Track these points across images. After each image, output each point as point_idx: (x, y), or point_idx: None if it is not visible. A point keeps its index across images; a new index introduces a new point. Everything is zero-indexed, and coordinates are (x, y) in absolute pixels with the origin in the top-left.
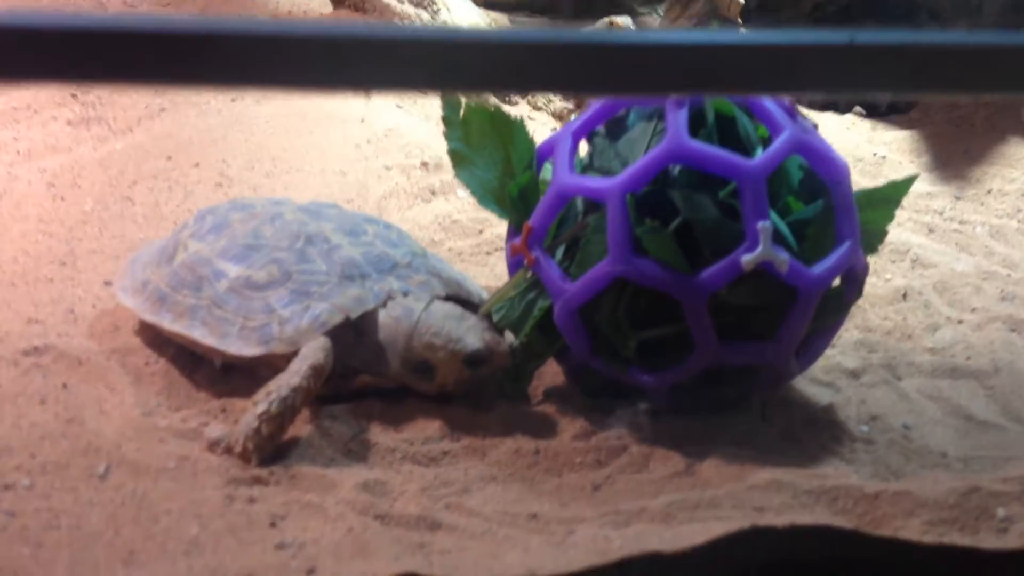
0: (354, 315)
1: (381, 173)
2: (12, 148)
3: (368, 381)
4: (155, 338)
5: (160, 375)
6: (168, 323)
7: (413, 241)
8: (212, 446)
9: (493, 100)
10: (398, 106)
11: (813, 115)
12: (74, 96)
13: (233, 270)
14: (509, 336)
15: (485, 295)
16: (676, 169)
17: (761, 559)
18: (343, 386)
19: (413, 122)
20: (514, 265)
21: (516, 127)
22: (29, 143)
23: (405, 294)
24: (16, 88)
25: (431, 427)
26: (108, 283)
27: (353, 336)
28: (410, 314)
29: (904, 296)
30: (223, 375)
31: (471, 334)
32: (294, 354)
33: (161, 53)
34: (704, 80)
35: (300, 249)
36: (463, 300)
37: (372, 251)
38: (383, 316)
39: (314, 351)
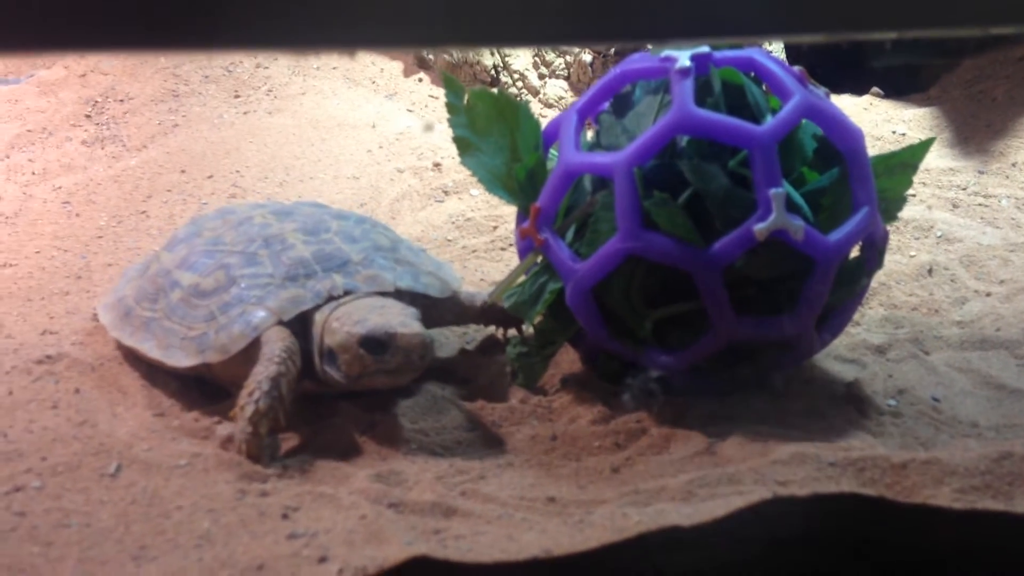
0: (286, 317)
1: (393, 176)
2: (27, 169)
3: (310, 387)
4: None
5: (173, 378)
6: (127, 338)
7: (383, 234)
8: (225, 443)
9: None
10: (408, 110)
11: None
12: (88, 117)
13: (186, 279)
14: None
15: (463, 285)
16: (684, 140)
17: (785, 532)
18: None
19: (431, 124)
20: (524, 249)
21: (521, 110)
22: (44, 163)
23: (348, 291)
24: (31, 111)
25: (445, 418)
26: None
27: (301, 337)
28: (336, 307)
29: (930, 271)
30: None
31: (375, 318)
32: (242, 358)
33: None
34: None
35: (252, 253)
36: (418, 295)
37: (324, 249)
38: (317, 315)
39: (276, 335)
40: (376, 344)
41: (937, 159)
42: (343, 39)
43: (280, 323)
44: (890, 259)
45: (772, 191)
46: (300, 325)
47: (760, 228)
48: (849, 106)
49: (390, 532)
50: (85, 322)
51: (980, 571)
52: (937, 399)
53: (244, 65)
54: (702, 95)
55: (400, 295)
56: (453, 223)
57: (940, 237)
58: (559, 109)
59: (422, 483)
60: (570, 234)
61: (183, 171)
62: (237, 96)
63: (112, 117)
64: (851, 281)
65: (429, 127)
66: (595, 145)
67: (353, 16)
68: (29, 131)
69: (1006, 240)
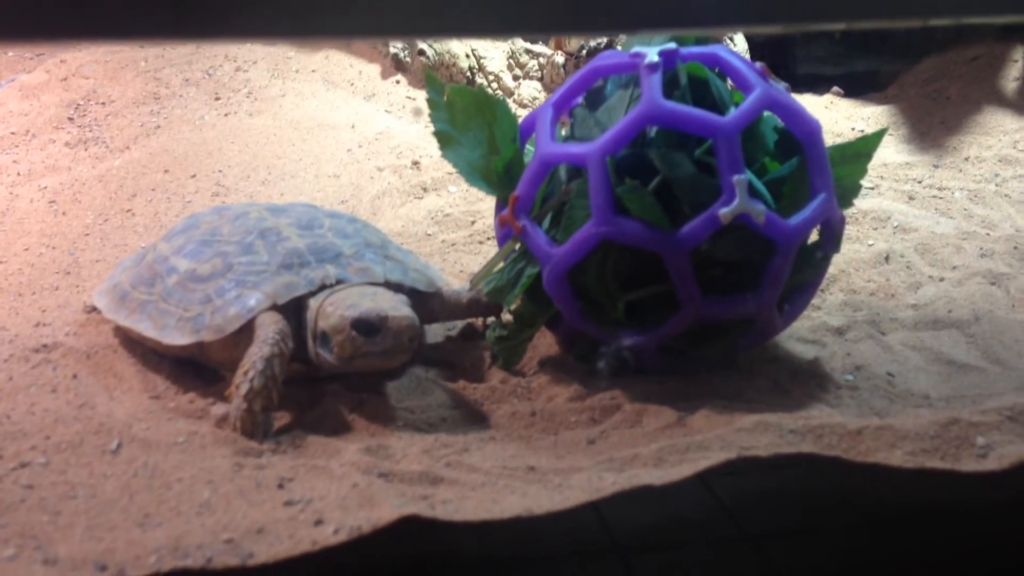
0: (281, 301)
1: (373, 174)
2: (12, 170)
3: (302, 370)
4: None
5: (167, 363)
6: (123, 319)
7: (374, 234)
8: (220, 422)
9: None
10: (387, 111)
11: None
12: (71, 119)
13: (183, 265)
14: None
15: (449, 282)
16: (653, 131)
17: (750, 491)
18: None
19: (402, 125)
20: (503, 237)
21: (499, 105)
22: (29, 165)
23: (340, 281)
24: (14, 115)
25: (430, 397)
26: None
27: (294, 323)
28: (329, 294)
29: (887, 259)
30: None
31: (367, 303)
32: (236, 340)
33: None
34: None
35: (249, 243)
36: (406, 287)
37: (318, 242)
38: (311, 301)
39: (270, 319)
40: (368, 326)
41: (894, 154)
42: (324, 29)
43: (274, 308)
44: (849, 248)
45: (735, 177)
46: (293, 311)
47: (724, 212)
48: (811, 104)
49: (381, 497)
50: (77, 315)
51: (931, 524)
52: (892, 374)
53: (224, 68)
54: (670, 88)
55: (389, 288)
56: (432, 219)
57: (897, 227)
58: (533, 109)
59: (409, 456)
60: (547, 222)
61: (166, 171)
62: (217, 99)
63: (94, 120)
64: (811, 263)
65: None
66: (570, 137)
67: (335, 7)
68: (12, 133)
69: (959, 229)
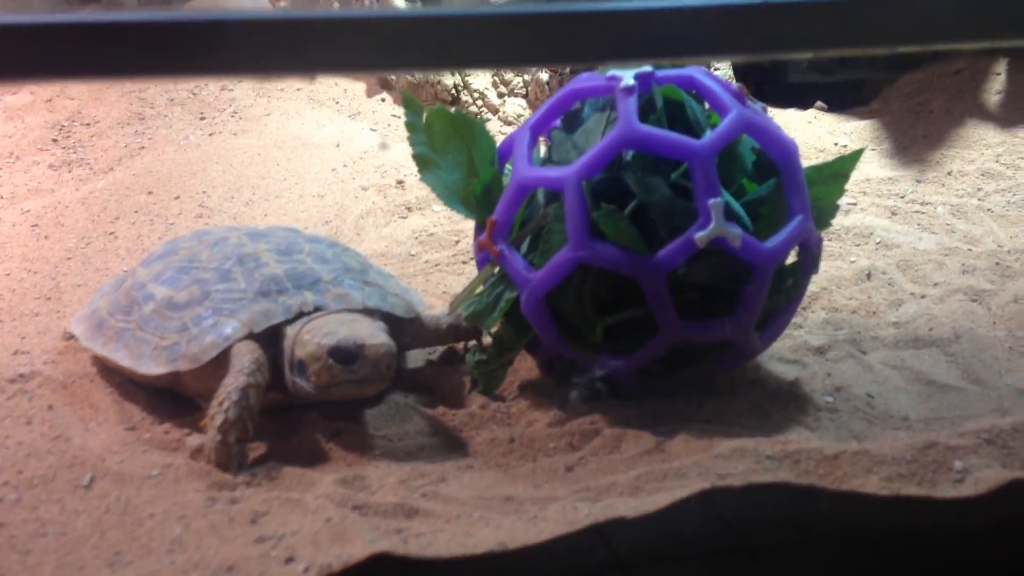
0: (257, 329)
1: (358, 194)
2: None
3: (279, 399)
4: None
5: (144, 393)
6: (100, 347)
7: (354, 258)
8: (195, 454)
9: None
10: (372, 129)
11: (774, 111)
12: (55, 141)
13: (161, 292)
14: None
15: (432, 303)
16: (629, 155)
17: (724, 519)
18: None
19: (387, 144)
20: (482, 261)
21: (478, 127)
22: (12, 188)
23: (318, 308)
24: None
25: (408, 424)
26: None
27: (271, 351)
28: (306, 322)
29: (868, 276)
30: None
31: (344, 330)
32: (212, 369)
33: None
34: None
35: (226, 269)
36: (385, 313)
37: (297, 268)
38: (288, 329)
39: (246, 348)
40: (345, 355)
41: (877, 169)
42: (317, 64)
43: (251, 336)
44: (831, 265)
45: (711, 201)
46: (270, 339)
47: (700, 236)
48: (794, 120)
49: (354, 532)
50: (56, 341)
51: (904, 551)
52: (871, 395)
53: (209, 88)
54: (645, 112)
55: (368, 315)
56: (416, 238)
57: (879, 243)
58: (518, 126)
59: (385, 487)
60: (525, 246)
61: (150, 192)
62: (203, 118)
63: (79, 141)
64: (788, 286)
65: (385, 146)
66: (547, 160)
67: (328, 43)
68: None
69: (941, 245)
